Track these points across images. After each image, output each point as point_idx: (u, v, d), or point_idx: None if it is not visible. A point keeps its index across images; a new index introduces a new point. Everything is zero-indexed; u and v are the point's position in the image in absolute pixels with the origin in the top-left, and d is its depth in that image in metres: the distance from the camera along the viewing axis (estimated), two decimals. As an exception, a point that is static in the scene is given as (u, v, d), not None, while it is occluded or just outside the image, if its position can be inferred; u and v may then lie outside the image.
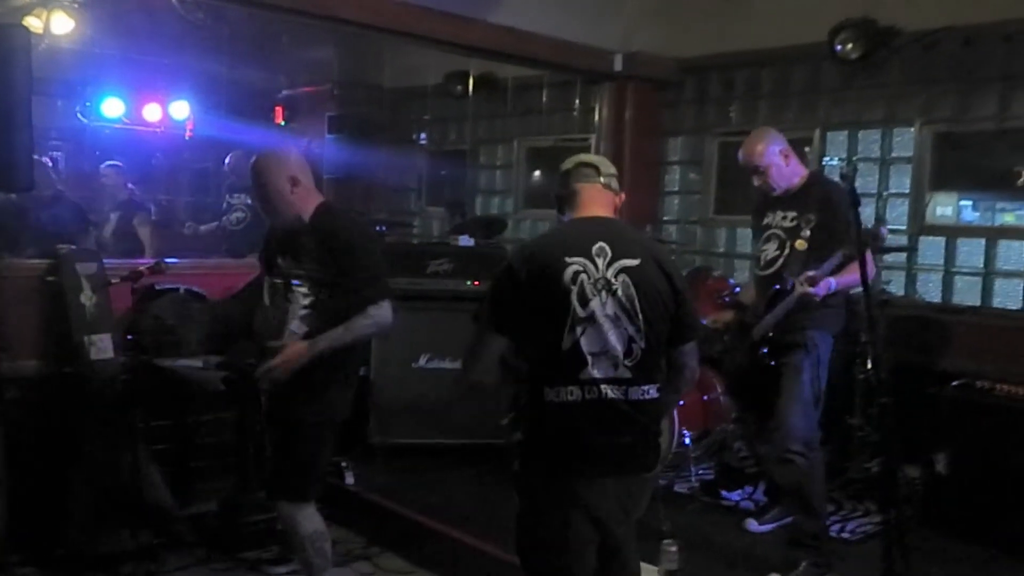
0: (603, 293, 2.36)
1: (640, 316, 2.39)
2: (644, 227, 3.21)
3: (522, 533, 2.47)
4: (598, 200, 2.55)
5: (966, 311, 5.14)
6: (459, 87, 7.57)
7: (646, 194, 6.69)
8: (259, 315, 3.18)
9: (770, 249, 3.85)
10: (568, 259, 2.37)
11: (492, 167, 8.02)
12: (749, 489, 4.55)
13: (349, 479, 4.60)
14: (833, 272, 3.56)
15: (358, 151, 7.40)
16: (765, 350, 3.78)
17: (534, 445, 2.42)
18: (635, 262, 2.41)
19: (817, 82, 5.86)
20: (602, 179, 2.57)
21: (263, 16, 5.15)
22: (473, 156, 8.11)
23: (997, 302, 5.16)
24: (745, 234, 6.34)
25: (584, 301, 2.35)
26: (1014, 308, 5.07)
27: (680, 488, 4.67)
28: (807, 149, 5.85)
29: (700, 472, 4.81)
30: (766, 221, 3.92)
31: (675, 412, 4.46)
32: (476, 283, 5.20)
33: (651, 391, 2.44)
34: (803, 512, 3.72)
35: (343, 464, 4.59)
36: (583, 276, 2.36)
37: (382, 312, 3.01)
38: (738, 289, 4.98)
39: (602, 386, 2.35)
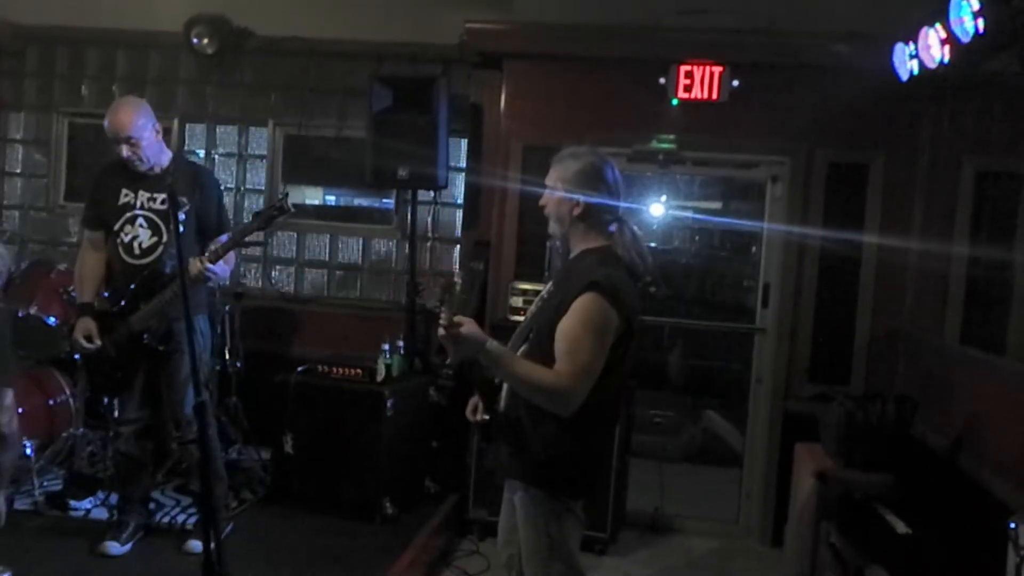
0: None
1: None
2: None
3: None
4: None
5: (311, 300, 5.65)
6: None
7: (-20, 175, 5.87)
8: None
9: (144, 236, 3.78)
10: None
11: None
12: (102, 495, 4.35)
13: None
14: (219, 255, 3.63)
15: None
16: (147, 337, 3.71)
17: None
18: None
19: (175, 72, 5.80)
20: None
21: None
22: None
23: (337, 293, 5.74)
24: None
25: None
26: (350, 297, 5.70)
27: (22, 504, 4.23)
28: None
29: (45, 484, 4.43)
30: (125, 200, 3.81)
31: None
32: None
33: None
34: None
35: None
36: None
37: None
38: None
39: None
